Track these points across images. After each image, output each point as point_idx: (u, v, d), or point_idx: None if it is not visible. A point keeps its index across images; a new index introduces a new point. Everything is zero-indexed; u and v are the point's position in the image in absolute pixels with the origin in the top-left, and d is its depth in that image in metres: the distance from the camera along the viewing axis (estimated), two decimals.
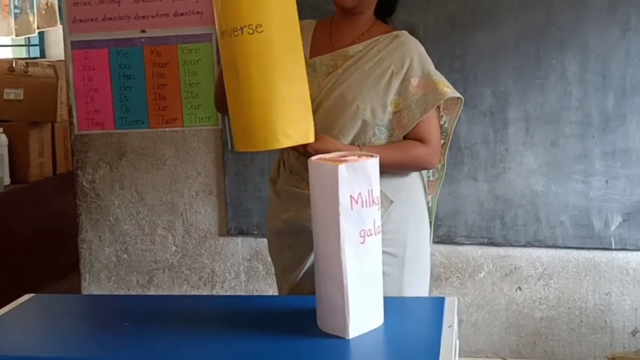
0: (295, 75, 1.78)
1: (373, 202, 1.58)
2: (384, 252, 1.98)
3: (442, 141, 2.10)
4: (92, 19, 3.00)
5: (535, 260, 2.79)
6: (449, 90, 1.99)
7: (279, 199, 2.12)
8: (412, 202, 2.07)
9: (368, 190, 1.57)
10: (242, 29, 1.73)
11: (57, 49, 5.66)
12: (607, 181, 2.67)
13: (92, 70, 3.03)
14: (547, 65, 2.66)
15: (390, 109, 1.98)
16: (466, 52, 2.69)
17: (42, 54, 6.06)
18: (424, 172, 2.14)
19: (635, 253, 2.71)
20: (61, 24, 3.15)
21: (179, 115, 2.99)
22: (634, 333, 2.76)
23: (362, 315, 1.59)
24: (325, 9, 2.68)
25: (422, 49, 2.04)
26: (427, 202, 2.15)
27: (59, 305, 1.94)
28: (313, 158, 1.62)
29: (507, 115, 2.70)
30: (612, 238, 2.70)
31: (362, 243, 1.57)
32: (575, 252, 2.76)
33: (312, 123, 1.83)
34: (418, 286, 2.08)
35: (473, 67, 2.70)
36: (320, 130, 1.96)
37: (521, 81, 2.68)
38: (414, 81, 1.98)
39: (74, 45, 3.04)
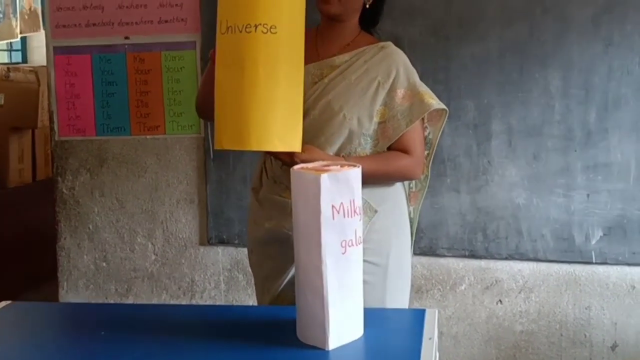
0: (297, 82, 1.80)
1: (355, 212, 1.57)
2: (367, 261, 1.99)
3: (426, 152, 2.10)
4: (75, 25, 2.98)
5: (516, 273, 2.79)
6: (434, 101, 2.00)
7: (262, 208, 2.11)
8: (396, 212, 2.08)
9: (350, 200, 1.57)
10: (256, 26, 1.73)
11: (39, 54, 5.63)
12: (588, 195, 2.68)
13: (74, 76, 3.01)
14: (530, 79, 2.67)
15: (376, 119, 1.99)
16: (450, 65, 2.70)
17: (24, 59, 6.02)
18: (407, 182, 2.14)
19: (615, 267, 2.72)
20: (44, 29, 3.12)
21: (162, 122, 2.97)
22: (613, 347, 2.76)
23: (342, 326, 1.58)
24: (313, 17, 2.69)
25: (408, 61, 2.05)
26: (409, 213, 2.15)
27: (36, 313, 1.92)
28: (295, 167, 1.61)
29: (490, 128, 2.71)
30: (593, 252, 2.71)
31: (343, 253, 1.56)
32: (556, 266, 2.76)
33: (301, 132, 1.83)
34: (400, 296, 2.08)
35: (457, 79, 2.70)
36: (306, 138, 1.95)
37: (504, 94, 2.69)
38: (400, 92, 1.99)
39: (56, 51, 3.01)
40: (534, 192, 2.71)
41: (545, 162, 2.69)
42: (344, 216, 1.55)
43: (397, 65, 2.02)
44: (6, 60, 6.11)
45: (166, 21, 2.92)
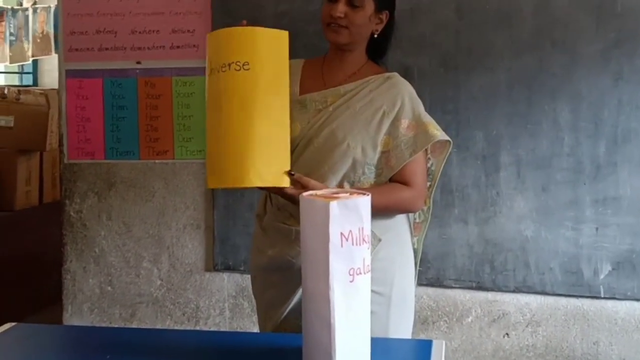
0: (277, 118, 1.77)
1: (363, 240, 1.56)
2: (371, 290, 1.97)
3: (429, 184, 2.10)
4: (88, 49, 3.00)
5: (523, 306, 2.77)
6: (438, 132, 2.00)
7: (266, 235, 2.10)
8: (400, 242, 2.07)
9: (359, 228, 1.56)
10: (229, 64, 1.75)
11: (50, 77, 5.68)
12: (597, 229, 2.66)
13: (85, 100, 3.03)
14: (539, 111, 2.67)
15: (379, 148, 1.99)
16: (459, 95, 2.70)
17: (35, 82, 6.07)
18: (410, 213, 2.14)
19: (624, 302, 2.70)
20: (56, 52, 3.16)
21: (170, 147, 2.97)
22: None
23: (349, 356, 1.56)
24: (320, 47, 2.70)
25: (413, 91, 2.06)
26: (413, 244, 2.14)
27: (40, 336, 1.91)
28: (305, 194, 1.61)
29: (499, 159, 2.70)
30: (601, 286, 2.68)
31: (351, 282, 1.55)
32: (563, 300, 2.74)
33: (288, 168, 1.81)
34: (403, 326, 2.06)
35: (466, 110, 2.71)
36: (310, 167, 1.95)
37: (513, 126, 2.69)
38: (405, 122, 2.00)
39: (68, 74, 3.03)
40: (543, 224, 2.70)
41: (554, 194, 2.68)
42: (353, 244, 1.54)
43: (403, 96, 2.02)
44: (17, 83, 6.16)
45: (178, 47, 2.94)
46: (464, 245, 2.76)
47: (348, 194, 1.60)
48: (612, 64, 2.61)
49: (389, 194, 1.99)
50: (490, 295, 2.78)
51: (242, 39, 1.78)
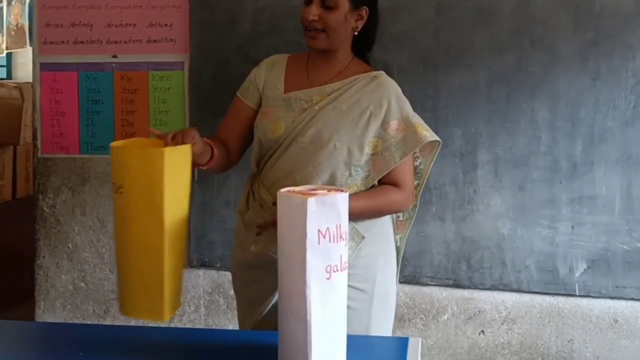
0: (148, 246, 1.63)
1: (341, 237, 1.56)
2: (353, 287, 1.97)
3: (416, 182, 2.10)
4: (63, 42, 2.96)
5: (499, 304, 2.78)
6: (428, 133, 2.00)
7: (248, 231, 2.08)
8: (383, 239, 2.07)
9: (336, 225, 1.55)
10: (114, 184, 1.66)
11: (24, 70, 5.60)
12: (573, 227, 2.68)
13: (59, 93, 2.98)
14: (517, 109, 2.68)
15: (367, 150, 1.98)
16: (438, 93, 2.70)
17: (9, 76, 5.99)
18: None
19: (598, 300, 2.71)
20: (31, 45, 3.10)
21: None
22: None
23: (325, 352, 1.55)
24: (301, 43, 2.68)
25: (400, 91, 2.05)
26: (396, 242, 2.14)
27: (12, 332, 1.87)
28: (282, 190, 1.59)
29: (477, 157, 2.71)
30: (577, 284, 2.70)
31: (328, 279, 1.54)
32: (539, 297, 2.75)
33: (169, 300, 1.66)
34: (384, 323, 2.07)
35: (444, 107, 2.71)
36: (294, 166, 1.94)
37: (491, 124, 2.69)
38: (394, 124, 1.99)
39: (43, 67, 2.99)
40: (519, 222, 2.71)
41: (530, 192, 2.69)
42: (330, 241, 1.53)
43: (390, 96, 2.01)
44: None
45: (155, 41, 2.91)
46: (440, 242, 2.76)
47: (326, 191, 1.59)
48: (590, 63, 2.62)
49: (380, 197, 1.99)
50: (466, 292, 2.79)
51: (117, 159, 1.65)
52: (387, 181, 2.00)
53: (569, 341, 2.75)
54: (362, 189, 1.99)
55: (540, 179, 2.68)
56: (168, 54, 2.89)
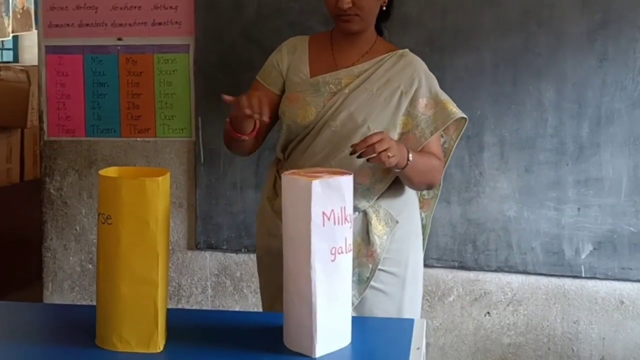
0: (142, 278, 1.56)
1: (345, 219, 1.56)
2: (387, 272, 1.99)
3: None
4: (68, 24, 2.95)
5: (505, 285, 2.78)
6: (456, 110, 2.02)
7: (278, 218, 2.07)
8: (412, 220, 2.08)
9: (341, 208, 1.55)
10: (101, 215, 1.58)
11: (30, 53, 5.60)
12: (579, 209, 2.67)
13: (65, 76, 2.98)
14: (523, 91, 2.67)
15: (399, 129, 1.97)
16: (445, 75, 2.67)
17: (16, 59, 5.99)
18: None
19: (604, 282, 2.72)
20: (36, 28, 3.10)
21: (152, 125, 2.94)
22: None
23: (330, 334, 1.56)
24: (306, 25, 2.68)
25: (427, 68, 2.05)
26: (422, 220, 2.14)
27: (21, 314, 1.89)
28: (286, 172, 1.59)
29: (483, 139, 2.70)
30: (582, 266, 2.70)
31: (332, 261, 1.54)
32: (545, 279, 2.75)
33: (162, 331, 1.61)
34: (415, 304, 2.08)
35: (451, 90, 2.65)
36: (328, 150, 1.93)
37: (498, 106, 2.68)
38: (422, 101, 1.99)
39: (48, 50, 2.99)
40: (525, 204, 2.70)
41: (537, 175, 2.69)
42: (335, 223, 1.54)
43: (420, 74, 2.00)
44: None
45: (160, 23, 2.90)
46: (446, 225, 2.76)
47: (330, 174, 1.59)
48: (597, 44, 2.60)
49: (426, 158, 1.98)
50: (472, 274, 2.79)
51: (106, 189, 1.57)
52: None
53: (574, 322, 2.76)
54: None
55: (546, 161, 2.68)
56: (173, 36, 2.89)
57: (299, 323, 1.55)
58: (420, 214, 2.15)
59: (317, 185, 1.50)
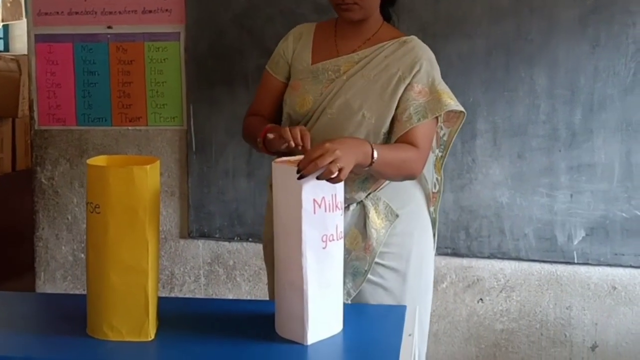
0: (132, 267, 1.57)
1: (336, 206, 1.56)
2: (386, 267, 1.97)
3: (440, 154, 2.08)
4: (57, 13, 2.93)
5: (498, 272, 2.79)
6: (452, 102, 1.95)
7: None
8: (417, 215, 2.04)
9: (332, 195, 1.55)
10: (89, 204, 1.58)
11: (21, 42, 5.55)
12: (571, 195, 2.67)
13: (55, 65, 2.96)
14: (516, 78, 2.66)
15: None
16: (437, 62, 2.67)
17: (6, 48, 5.94)
18: (429, 184, 2.11)
19: (597, 268, 2.72)
20: (26, 17, 3.07)
21: (144, 114, 2.93)
22: (593, 348, 2.76)
23: (321, 321, 1.56)
24: (297, 12, 2.67)
25: (432, 56, 2.00)
26: (431, 214, 2.12)
27: (13, 303, 1.89)
28: (277, 160, 1.59)
29: (475, 126, 2.70)
30: (575, 252, 2.70)
31: (323, 248, 1.54)
32: (537, 265, 2.76)
33: (153, 319, 1.61)
34: (419, 301, 2.01)
35: (443, 77, 2.61)
36: (323, 137, 1.90)
37: (490, 93, 2.67)
38: (417, 87, 1.93)
39: (37, 39, 2.97)
40: (518, 191, 2.70)
41: (529, 161, 2.69)
42: (326, 210, 1.54)
43: (421, 60, 1.95)
44: None
45: (150, 11, 2.88)
46: (439, 212, 2.75)
47: None
48: (590, 30, 2.60)
49: (396, 150, 1.89)
50: (465, 261, 2.79)
51: (94, 178, 1.58)
52: (403, 141, 1.92)
53: (567, 308, 2.77)
54: None
55: (539, 147, 2.67)
56: (164, 24, 2.87)
57: (291, 310, 1.55)
58: (429, 209, 2.13)
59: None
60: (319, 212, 1.52)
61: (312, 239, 1.52)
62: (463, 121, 2.03)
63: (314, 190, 1.51)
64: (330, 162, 1.59)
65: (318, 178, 1.57)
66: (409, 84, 1.94)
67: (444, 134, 2.07)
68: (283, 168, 1.55)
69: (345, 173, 1.62)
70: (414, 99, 1.92)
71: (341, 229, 1.57)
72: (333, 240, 1.55)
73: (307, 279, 1.52)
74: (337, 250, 1.57)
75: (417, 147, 1.92)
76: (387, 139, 1.96)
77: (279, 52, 2.09)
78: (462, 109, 1.99)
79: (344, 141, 1.72)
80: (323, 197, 1.52)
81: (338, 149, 1.63)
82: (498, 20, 2.64)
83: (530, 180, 2.69)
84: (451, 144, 2.08)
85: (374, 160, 1.77)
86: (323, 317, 1.56)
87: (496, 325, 2.81)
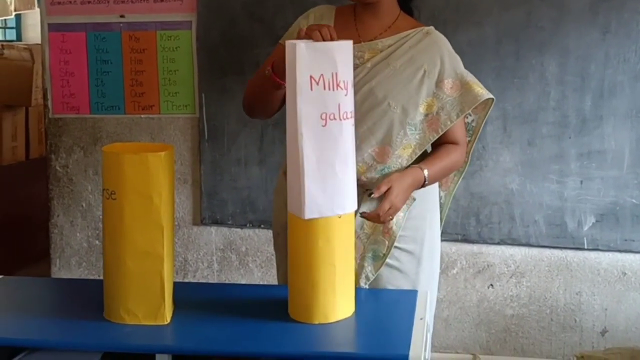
0: (147, 252, 1.60)
1: (338, 85, 1.52)
2: (402, 249, 1.98)
3: (468, 139, 2.09)
4: (70, 2, 2.95)
5: (508, 258, 2.80)
6: (483, 91, 1.97)
7: None
8: (430, 198, 2.06)
9: (332, 73, 1.52)
10: (105, 190, 1.61)
11: (34, 32, 5.58)
12: (581, 182, 2.68)
13: (68, 54, 2.99)
14: (526, 65, 2.67)
15: (421, 110, 1.94)
16: None
17: (19, 37, 5.98)
18: None
19: (606, 254, 2.74)
20: (39, 6, 3.09)
21: (156, 102, 2.95)
22: (603, 333, 2.78)
23: (321, 201, 1.55)
24: (307, 1, 2.68)
25: (451, 48, 2.01)
26: (440, 198, 2.14)
27: (30, 288, 1.92)
28: (292, 40, 1.58)
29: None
30: (585, 238, 2.72)
31: (323, 126, 1.51)
32: (547, 251, 2.77)
33: (169, 303, 1.65)
34: (431, 282, 2.05)
35: None
36: None
37: (500, 80, 2.68)
38: (448, 82, 1.95)
39: (51, 28, 2.99)
40: (528, 177, 2.72)
41: (539, 148, 2.70)
42: (325, 88, 1.50)
43: (442, 54, 1.96)
44: (0, 38, 6.07)
45: (162, 0, 2.90)
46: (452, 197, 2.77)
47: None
48: (600, 17, 2.60)
49: (448, 157, 1.99)
50: (475, 247, 2.81)
51: (109, 165, 1.60)
52: (444, 140, 1.97)
53: (577, 294, 2.78)
54: (417, 150, 1.96)
55: (549, 134, 2.68)
56: (175, 13, 2.89)
57: (292, 188, 1.55)
58: (440, 193, 2.15)
59: (302, 47, 1.47)
60: (317, 89, 1.49)
61: (309, 117, 1.49)
62: (492, 107, 2.03)
63: (310, 66, 1.48)
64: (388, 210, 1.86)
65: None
66: (438, 80, 1.95)
67: (472, 120, 2.08)
68: (288, 45, 1.54)
69: (400, 216, 1.95)
70: (448, 95, 1.94)
71: (346, 109, 1.54)
72: (335, 119, 1.52)
73: (304, 155, 1.49)
74: (339, 130, 1.53)
75: (460, 143, 2.01)
76: (421, 135, 1.96)
77: (297, 28, 2.08)
78: (492, 96, 2.00)
79: (402, 185, 1.89)
80: (321, 75, 1.49)
81: (400, 201, 1.88)
82: (508, 8, 2.64)
83: (540, 167, 2.70)
84: (480, 130, 2.08)
85: (426, 183, 1.93)
86: (322, 195, 1.53)
87: (506, 310, 2.83)
